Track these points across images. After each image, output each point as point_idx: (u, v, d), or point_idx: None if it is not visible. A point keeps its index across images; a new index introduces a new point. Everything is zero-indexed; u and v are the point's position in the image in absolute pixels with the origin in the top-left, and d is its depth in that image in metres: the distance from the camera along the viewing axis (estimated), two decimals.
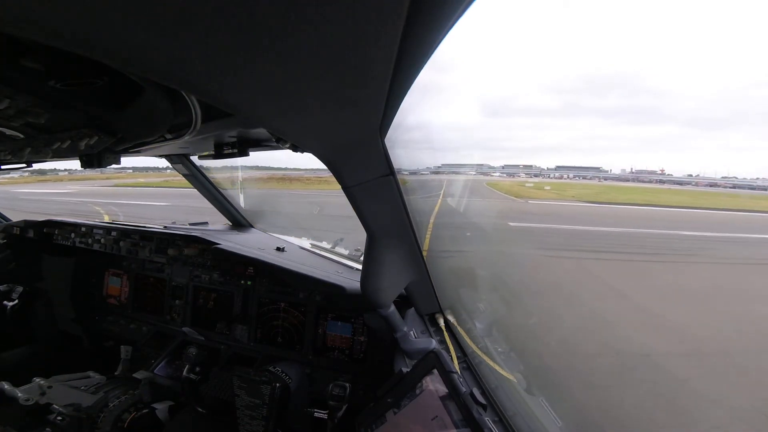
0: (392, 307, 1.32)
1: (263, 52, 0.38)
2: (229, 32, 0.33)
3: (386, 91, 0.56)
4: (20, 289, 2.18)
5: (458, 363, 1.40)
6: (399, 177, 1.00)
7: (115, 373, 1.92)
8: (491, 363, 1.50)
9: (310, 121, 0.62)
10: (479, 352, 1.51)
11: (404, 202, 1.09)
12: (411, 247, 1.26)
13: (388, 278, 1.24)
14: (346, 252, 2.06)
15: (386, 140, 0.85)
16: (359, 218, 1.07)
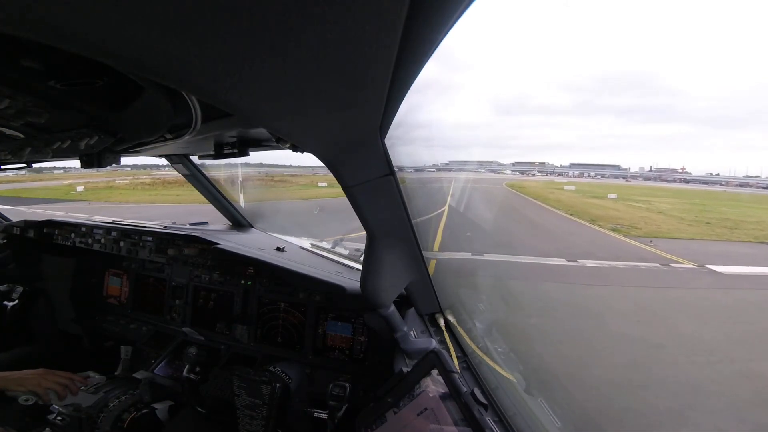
0: (392, 307, 1.32)
1: (264, 52, 0.38)
2: (230, 32, 0.33)
3: (386, 90, 0.56)
4: (20, 289, 2.18)
5: (458, 363, 1.40)
6: (399, 176, 1.00)
7: (115, 373, 1.92)
8: (491, 363, 1.50)
9: (310, 121, 0.62)
10: (479, 352, 1.51)
11: (404, 202, 1.09)
12: (411, 247, 1.26)
13: (388, 278, 1.24)
14: (346, 252, 2.06)
15: (387, 140, 0.85)
16: (359, 218, 1.08)
